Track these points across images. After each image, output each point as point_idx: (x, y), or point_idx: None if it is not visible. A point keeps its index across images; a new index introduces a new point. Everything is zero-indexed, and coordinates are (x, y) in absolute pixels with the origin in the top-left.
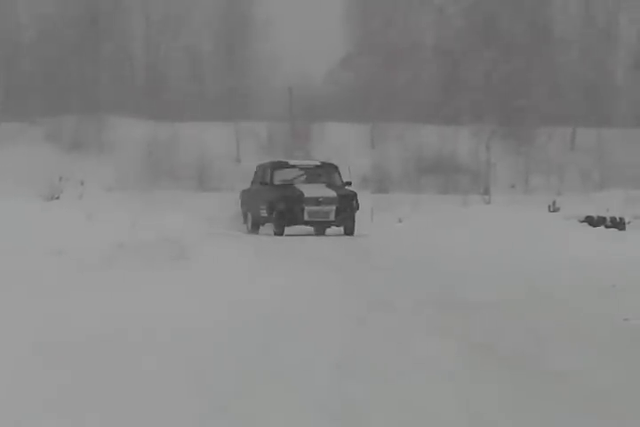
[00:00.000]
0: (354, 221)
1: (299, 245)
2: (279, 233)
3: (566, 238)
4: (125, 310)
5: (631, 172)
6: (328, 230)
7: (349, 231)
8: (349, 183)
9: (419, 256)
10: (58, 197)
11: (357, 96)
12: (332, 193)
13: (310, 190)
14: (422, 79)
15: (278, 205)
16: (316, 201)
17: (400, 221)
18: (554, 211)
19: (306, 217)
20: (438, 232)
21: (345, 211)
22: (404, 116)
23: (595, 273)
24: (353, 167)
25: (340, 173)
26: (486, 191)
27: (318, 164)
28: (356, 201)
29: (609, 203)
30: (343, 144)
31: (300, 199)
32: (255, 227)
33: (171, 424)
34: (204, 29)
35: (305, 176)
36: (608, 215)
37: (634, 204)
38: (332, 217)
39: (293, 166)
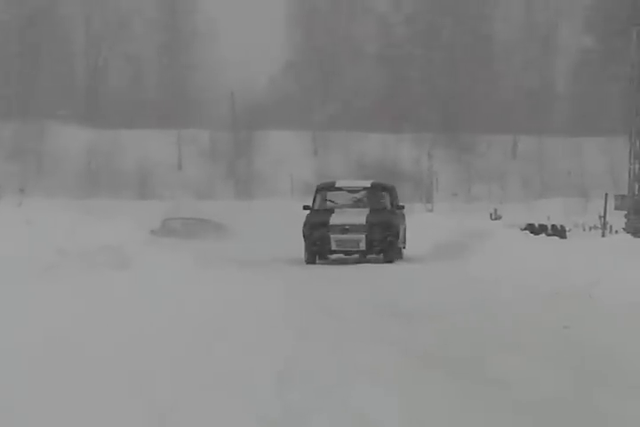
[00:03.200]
0: (392, 249)
1: (233, 251)
2: (309, 262)
3: (508, 246)
4: (59, 321)
5: (571, 180)
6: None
7: (388, 259)
8: (401, 207)
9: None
10: None
11: (299, 104)
12: (360, 220)
13: (340, 217)
14: (364, 87)
15: (306, 232)
16: (343, 229)
17: None
18: (495, 219)
19: (333, 246)
20: None
21: (378, 239)
22: (347, 124)
23: (537, 281)
24: (296, 175)
25: (391, 196)
26: (428, 199)
27: (367, 185)
28: (393, 227)
29: (550, 211)
30: (286, 152)
31: (325, 227)
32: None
33: None
34: (145, 36)
35: (350, 200)
36: (549, 223)
37: (574, 212)
38: (362, 246)
39: (339, 189)
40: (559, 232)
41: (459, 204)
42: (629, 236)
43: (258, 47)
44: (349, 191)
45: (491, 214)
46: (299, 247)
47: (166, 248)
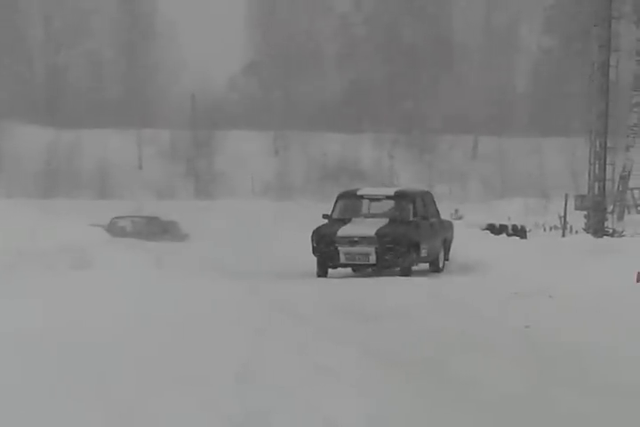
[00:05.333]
0: (409, 263)
1: (194, 251)
2: (319, 275)
3: (469, 246)
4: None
5: (532, 180)
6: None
7: (404, 272)
8: (424, 217)
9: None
10: None
11: (260, 104)
12: (370, 232)
13: (351, 228)
14: (325, 87)
15: (313, 243)
16: (351, 241)
17: (302, 227)
18: (456, 219)
19: (342, 259)
20: None
21: (391, 252)
22: (307, 124)
23: (498, 280)
24: (256, 175)
25: (416, 205)
26: None
27: (391, 194)
28: (407, 239)
29: (510, 211)
30: (246, 152)
31: (333, 238)
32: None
33: None
34: (105, 35)
35: (370, 209)
36: (509, 223)
37: (535, 212)
38: (372, 260)
39: (360, 197)
40: (519, 232)
41: None
42: (589, 236)
43: (218, 47)
44: (371, 200)
45: (452, 214)
46: (254, 246)
47: (126, 248)
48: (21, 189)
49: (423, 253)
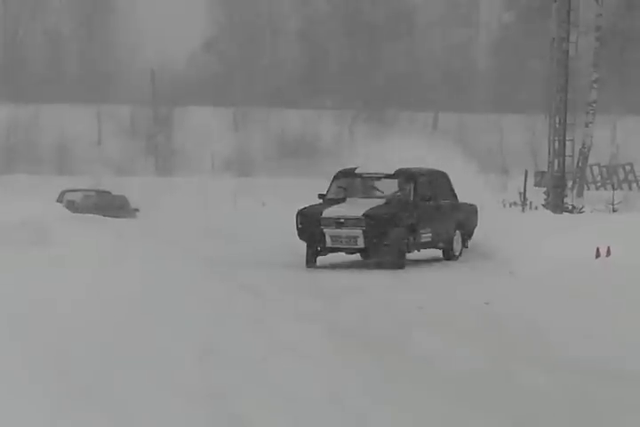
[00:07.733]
0: (398, 249)
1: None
2: (309, 265)
3: None
4: None
5: (491, 156)
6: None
7: (396, 263)
8: (429, 198)
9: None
10: None
11: (220, 80)
12: (357, 212)
13: (339, 208)
14: (285, 63)
15: (298, 225)
16: (337, 222)
17: (263, 204)
18: None
19: (328, 243)
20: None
21: (380, 235)
22: (267, 100)
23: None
24: (216, 151)
25: (417, 185)
26: None
27: (391, 173)
28: (399, 222)
29: (470, 187)
30: (206, 128)
31: (318, 220)
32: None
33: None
34: (64, 10)
35: (370, 189)
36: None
37: (494, 188)
38: (360, 243)
39: (358, 176)
40: None
41: None
42: (549, 212)
43: (178, 23)
44: (371, 179)
45: None
46: (209, 223)
47: (86, 224)
48: None
49: (424, 237)
